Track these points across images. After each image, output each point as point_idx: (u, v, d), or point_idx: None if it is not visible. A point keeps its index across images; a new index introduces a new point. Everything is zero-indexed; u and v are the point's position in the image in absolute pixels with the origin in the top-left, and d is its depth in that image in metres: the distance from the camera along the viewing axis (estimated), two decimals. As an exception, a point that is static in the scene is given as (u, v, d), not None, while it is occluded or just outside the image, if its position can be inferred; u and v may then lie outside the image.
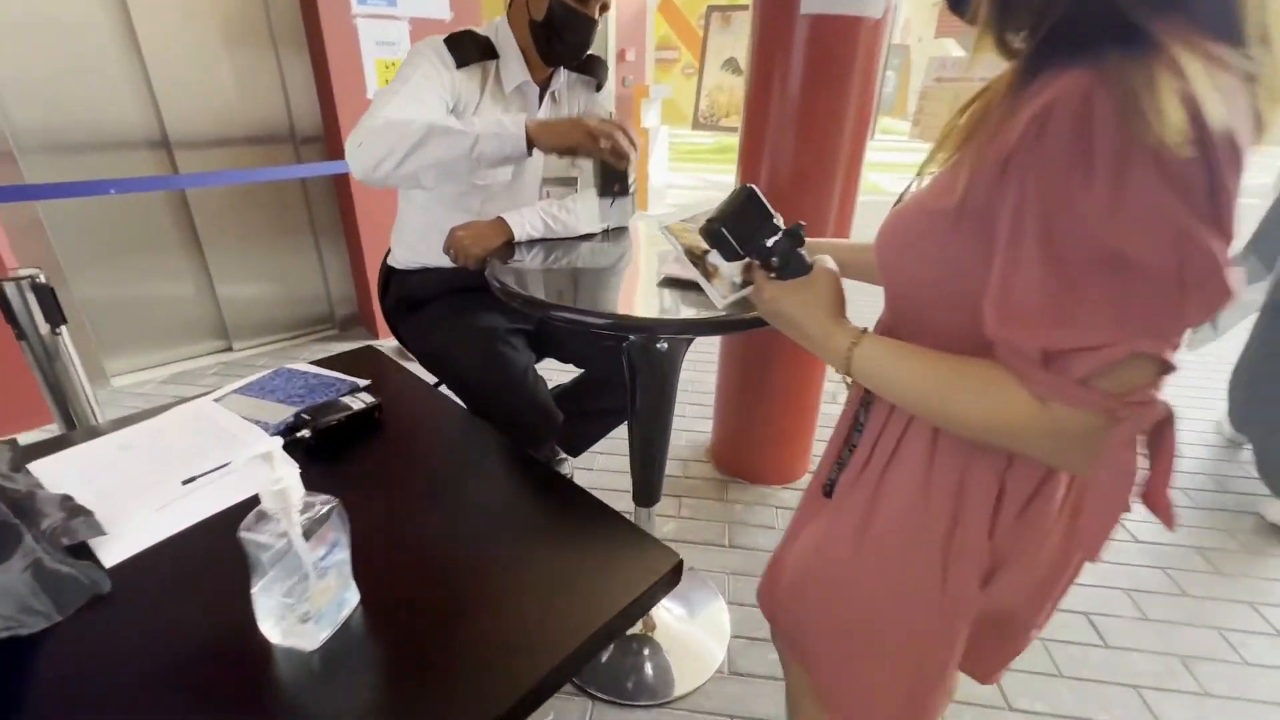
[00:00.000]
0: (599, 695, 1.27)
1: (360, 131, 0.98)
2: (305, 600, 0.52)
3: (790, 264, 0.63)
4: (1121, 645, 1.43)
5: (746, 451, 1.97)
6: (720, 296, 0.67)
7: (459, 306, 1.17)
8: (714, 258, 0.70)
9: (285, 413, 0.85)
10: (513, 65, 1.13)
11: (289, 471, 0.50)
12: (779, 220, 0.65)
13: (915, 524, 0.61)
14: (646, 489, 1.24)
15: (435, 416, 0.92)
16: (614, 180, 1.06)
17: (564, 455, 1.63)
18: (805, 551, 0.73)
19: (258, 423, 0.83)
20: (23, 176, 2.00)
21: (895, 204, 0.70)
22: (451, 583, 0.62)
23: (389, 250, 1.30)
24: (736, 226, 0.63)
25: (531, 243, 1.15)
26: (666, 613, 1.47)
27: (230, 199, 2.49)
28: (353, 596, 0.57)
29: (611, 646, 1.38)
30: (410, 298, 1.23)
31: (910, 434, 0.63)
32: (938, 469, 0.60)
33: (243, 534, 0.50)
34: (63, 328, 1.34)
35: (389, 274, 1.28)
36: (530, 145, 0.98)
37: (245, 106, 2.46)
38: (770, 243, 0.65)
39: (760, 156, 1.72)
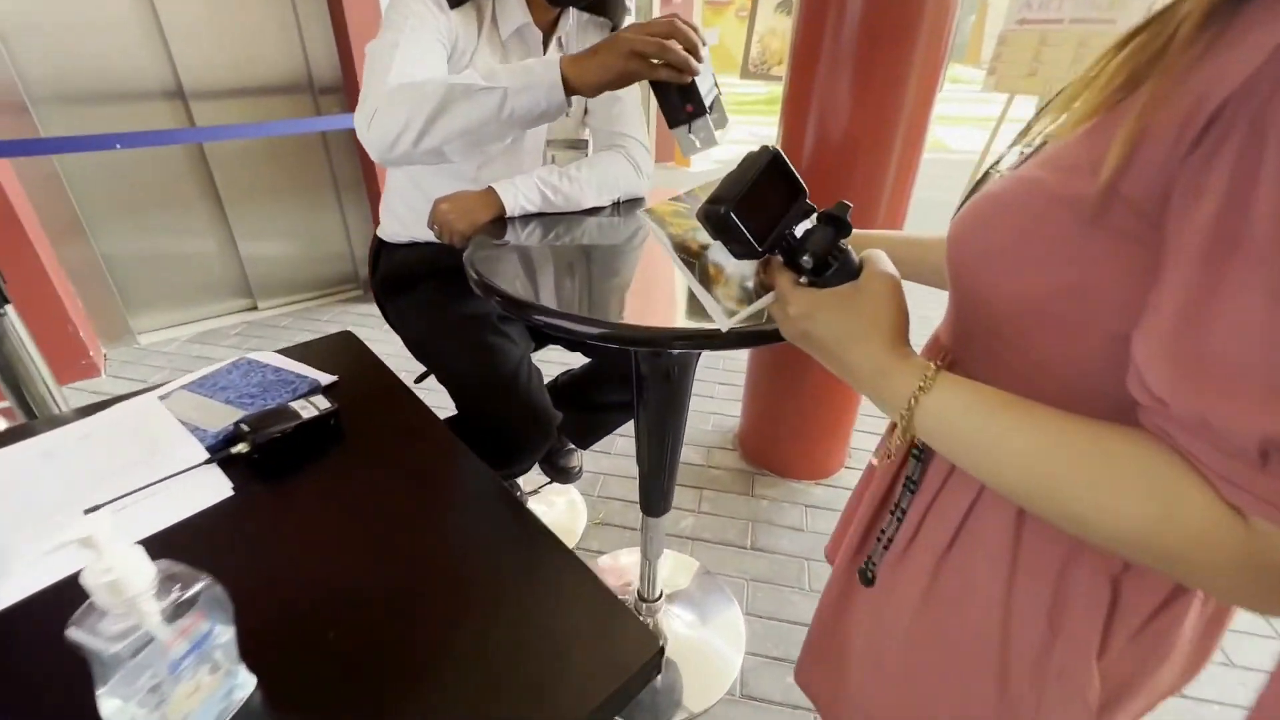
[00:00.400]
0: (597, 712, 1.17)
1: (368, 103, 0.81)
2: (164, 706, 0.41)
3: (830, 263, 0.45)
4: None
5: (777, 442, 1.81)
6: (725, 313, 0.50)
7: (448, 289, 1.04)
8: (717, 253, 0.53)
9: (228, 417, 0.75)
10: (511, 3, 0.96)
11: (124, 556, 0.38)
12: (806, 189, 0.47)
13: (990, 636, 0.46)
14: (654, 499, 1.11)
15: (403, 428, 0.80)
16: (684, 100, 0.76)
17: (572, 446, 1.52)
18: (848, 653, 0.59)
19: (196, 430, 0.73)
20: (36, 128, 1.95)
21: (974, 186, 0.52)
22: (378, 660, 0.51)
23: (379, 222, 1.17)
24: (751, 209, 0.45)
25: (529, 217, 1.00)
26: (677, 619, 1.36)
27: (249, 152, 2.40)
28: (244, 684, 0.46)
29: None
30: (398, 276, 1.10)
31: (984, 506, 0.47)
32: (1025, 563, 0.45)
33: (72, 633, 0.38)
34: (7, 307, 1.25)
35: (379, 248, 1.16)
36: (568, 91, 0.77)
37: (261, 55, 2.34)
38: (800, 231, 0.47)
39: (806, 111, 1.50)
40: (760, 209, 0.46)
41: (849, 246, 0.47)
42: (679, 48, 0.71)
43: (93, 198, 2.17)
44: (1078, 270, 0.37)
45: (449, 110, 0.78)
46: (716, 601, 1.41)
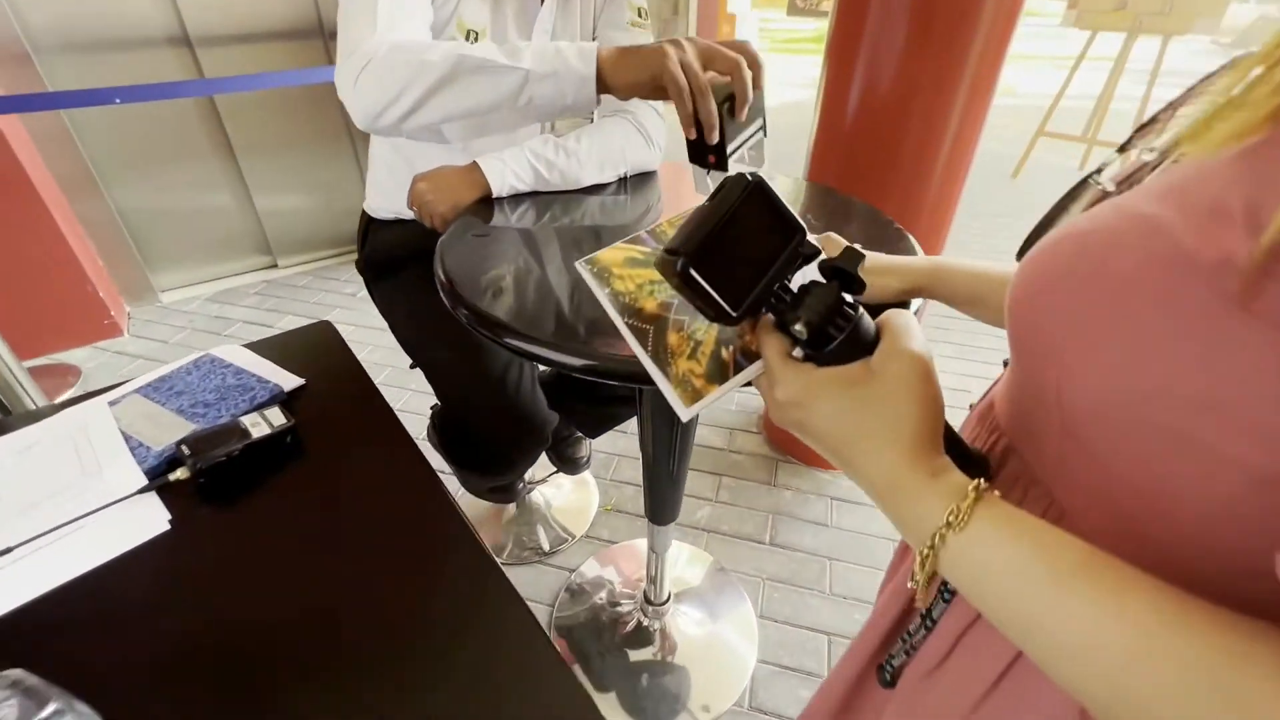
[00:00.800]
0: None
1: (353, 58, 0.67)
2: None
3: (832, 334, 0.33)
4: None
5: (804, 427, 1.69)
6: (682, 400, 0.38)
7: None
8: (685, 310, 0.41)
9: (176, 432, 0.67)
10: None
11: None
12: (808, 238, 0.35)
13: None
14: (659, 507, 1.01)
15: (368, 445, 0.71)
16: (708, 149, 0.64)
17: (580, 435, 1.43)
18: None
19: (139, 448, 0.66)
20: (41, 79, 1.88)
21: (1054, 214, 0.39)
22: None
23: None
24: (722, 258, 0.33)
25: (521, 195, 0.88)
26: (686, 618, 1.29)
27: (260, 102, 2.30)
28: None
29: (621, 653, 1.23)
30: (384, 257, 1.00)
31: None
32: None
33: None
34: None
35: (366, 224, 1.05)
36: (601, 87, 0.65)
37: (269, -2, 2.20)
38: (795, 285, 0.35)
39: (854, 53, 1.31)
40: (736, 258, 0.34)
41: (861, 310, 0.34)
42: (742, 81, 0.60)
43: (104, 151, 2.12)
44: (1209, 371, 0.25)
45: (455, 85, 0.65)
46: (730, 601, 1.34)
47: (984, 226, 3.24)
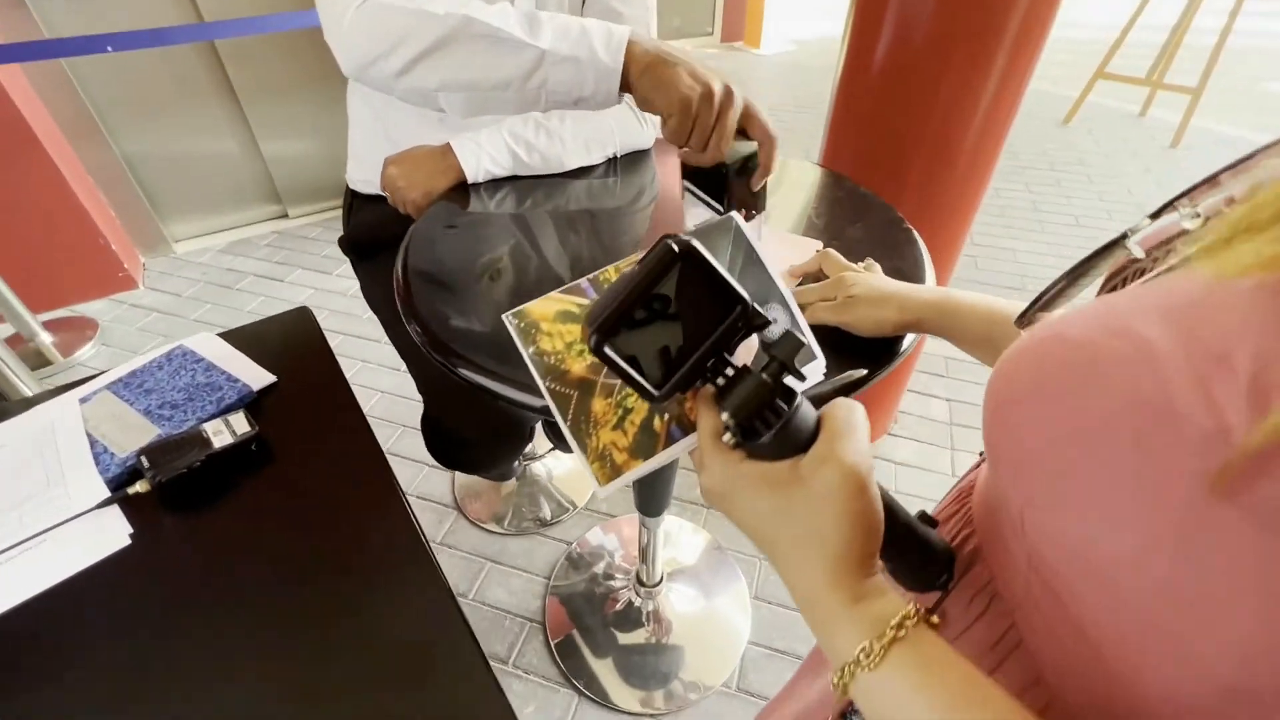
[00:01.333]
0: (585, 691, 1.16)
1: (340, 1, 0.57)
2: None
3: (760, 428, 0.30)
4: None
5: (812, 401, 1.65)
6: (597, 477, 0.35)
7: (415, 259, 0.88)
8: (613, 376, 0.37)
9: (141, 437, 0.66)
10: None
11: None
12: (752, 308, 0.31)
13: None
14: (648, 499, 0.99)
15: (336, 452, 0.69)
16: (711, 187, 0.61)
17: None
18: None
19: (103, 454, 0.65)
20: (36, 23, 1.82)
21: (1076, 275, 0.34)
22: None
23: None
24: (649, 334, 0.30)
25: (501, 179, 0.81)
26: (679, 595, 1.30)
27: (262, 43, 2.21)
28: None
29: (613, 629, 1.25)
30: (366, 237, 0.95)
31: None
32: None
33: None
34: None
35: (350, 198, 1.00)
36: (624, 88, 0.57)
37: (264, -74, 2.07)
38: (728, 368, 0.31)
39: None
40: (664, 331, 0.30)
41: (798, 402, 0.30)
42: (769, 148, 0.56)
43: (106, 96, 2.07)
44: (1183, 559, 0.21)
45: (456, 49, 0.56)
46: (724, 580, 1.34)
47: (1028, 181, 3.02)
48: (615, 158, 0.86)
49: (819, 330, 0.55)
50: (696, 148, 0.56)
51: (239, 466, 0.65)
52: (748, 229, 0.41)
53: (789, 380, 0.30)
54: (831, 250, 0.59)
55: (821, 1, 6.11)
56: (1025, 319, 0.36)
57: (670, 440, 0.35)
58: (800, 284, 0.62)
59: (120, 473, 0.63)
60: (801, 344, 0.29)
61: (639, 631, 1.24)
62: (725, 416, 0.30)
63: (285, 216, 2.60)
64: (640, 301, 0.29)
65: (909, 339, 0.56)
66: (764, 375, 0.29)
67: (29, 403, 0.73)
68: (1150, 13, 3.22)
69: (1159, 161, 3.23)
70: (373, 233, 0.93)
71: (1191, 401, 0.20)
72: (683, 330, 0.30)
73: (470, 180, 0.78)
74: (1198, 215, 0.28)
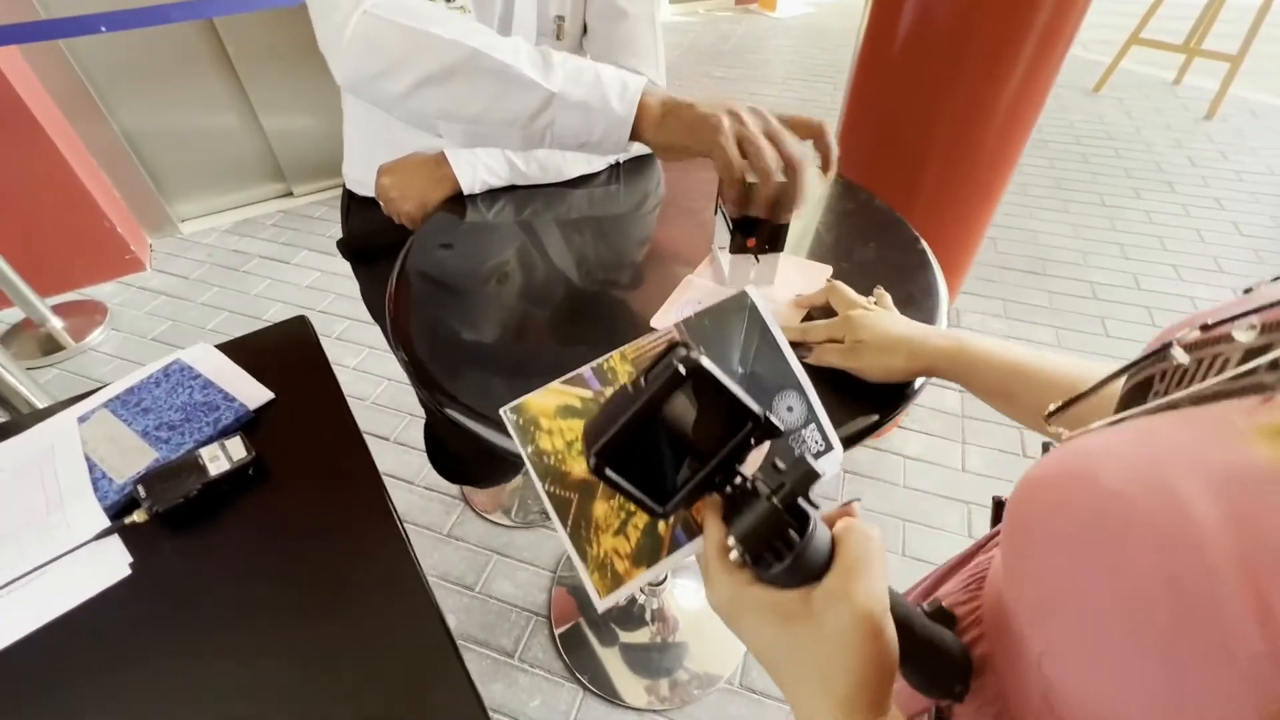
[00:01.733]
0: (590, 686, 1.18)
1: (339, 8, 0.53)
2: None
3: (770, 558, 0.28)
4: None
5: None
6: (597, 590, 0.34)
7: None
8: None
9: (139, 461, 0.66)
10: None
11: None
12: (766, 419, 0.29)
13: None
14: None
15: (334, 473, 0.69)
16: (753, 232, 0.56)
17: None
18: None
19: (101, 479, 0.65)
20: (32, 2, 1.77)
21: (1125, 374, 0.31)
22: None
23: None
24: (652, 451, 0.28)
25: (499, 188, 0.79)
26: (682, 590, 1.31)
27: (259, 15, 2.14)
28: None
29: (619, 623, 1.26)
30: (363, 242, 0.93)
31: None
32: None
33: None
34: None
35: (348, 199, 0.98)
36: (634, 135, 0.55)
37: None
38: (739, 483, 0.30)
39: None
40: (668, 445, 0.29)
41: (812, 528, 0.28)
42: (799, 176, 0.51)
43: (103, 75, 2.03)
44: None
45: (461, 81, 0.53)
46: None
47: (1052, 156, 2.91)
48: (618, 163, 0.83)
49: (825, 372, 0.53)
50: (764, 176, 0.50)
51: (236, 489, 0.65)
52: (762, 305, 0.39)
53: (802, 503, 0.28)
54: (839, 284, 0.57)
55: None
56: (1055, 416, 0.33)
57: (675, 545, 0.34)
58: (807, 317, 0.59)
59: (119, 499, 0.63)
60: (817, 475, 0.27)
61: (644, 629, 1.25)
62: (731, 540, 0.29)
63: (290, 195, 2.57)
64: (643, 422, 0.27)
65: (919, 381, 0.53)
66: (775, 500, 0.27)
67: (36, 417, 0.73)
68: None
69: (1192, 134, 3.09)
70: (370, 237, 0.91)
71: (1243, 611, 0.17)
72: (689, 444, 0.28)
73: (466, 192, 0.75)
74: (1253, 327, 0.24)
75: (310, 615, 0.56)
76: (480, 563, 1.38)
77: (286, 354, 0.84)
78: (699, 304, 0.62)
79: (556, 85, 0.52)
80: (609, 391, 0.37)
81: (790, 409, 0.38)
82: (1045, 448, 0.58)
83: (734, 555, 0.29)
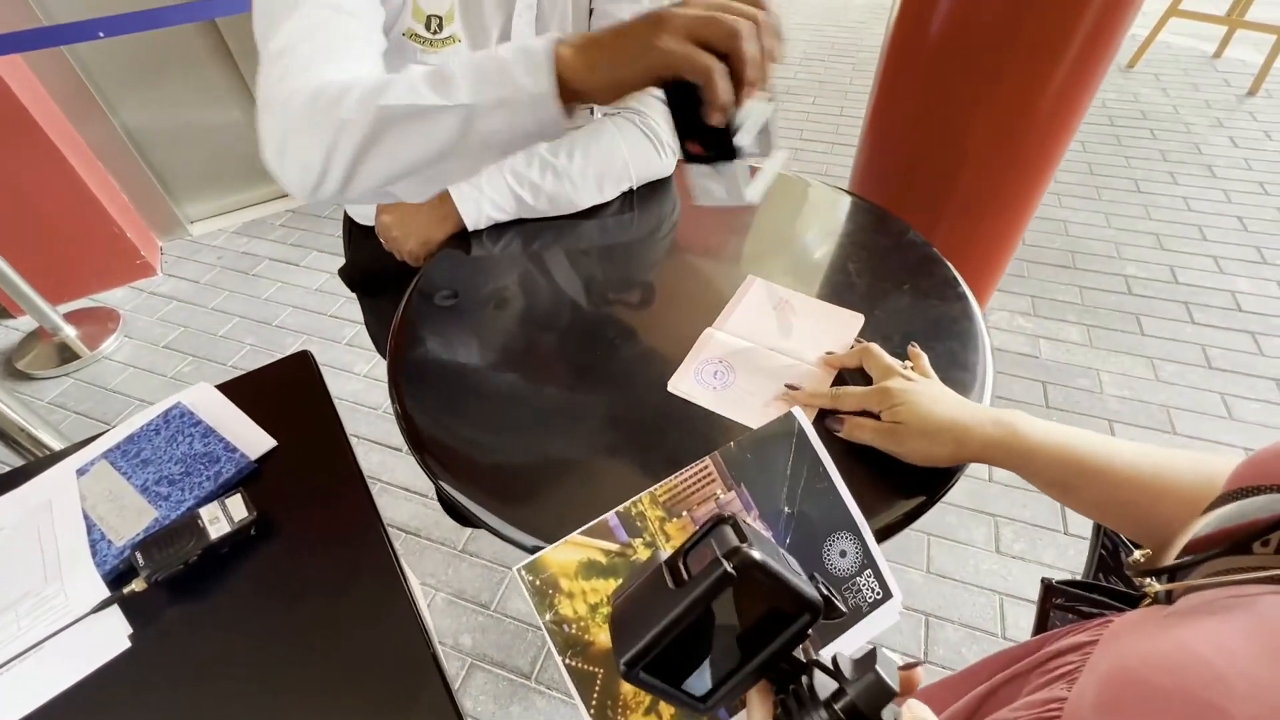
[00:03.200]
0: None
1: (269, 121, 0.54)
2: None
3: None
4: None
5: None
6: None
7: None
8: None
9: (139, 520, 0.64)
10: None
11: None
12: (817, 603, 0.26)
13: None
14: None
15: (338, 535, 0.66)
16: (706, 138, 0.48)
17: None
18: None
19: (99, 540, 0.62)
20: (30, 7, 1.74)
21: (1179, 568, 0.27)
22: None
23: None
24: (693, 647, 0.25)
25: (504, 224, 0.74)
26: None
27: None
28: None
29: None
30: (365, 273, 0.90)
31: None
32: None
33: None
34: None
35: (350, 227, 0.94)
36: (570, 98, 0.48)
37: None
38: (793, 668, 0.26)
39: None
40: (713, 641, 0.25)
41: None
42: (751, 53, 0.44)
43: (103, 70, 1.99)
44: None
45: (384, 143, 0.50)
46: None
47: (1084, 139, 2.78)
48: (631, 191, 0.78)
49: (855, 445, 0.49)
50: (746, 31, 0.44)
51: (238, 550, 0.62)
52: (810, 430, 0.35)
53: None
54: (874, 347, 0.52)
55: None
56: (1138, 569, 0.29)
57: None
58: (838, 379, 0.54)
59: (117, 564, 0.61)
60: (892, 694, 0.23)
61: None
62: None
63: (298, 193, 2.54)
64: (683, 627, 0.24)
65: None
66: (837, 709, 0.24)
67: (39, 465, 0.71)
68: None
69: (1233, 114, 2.94)
70: (373, 269, 0.87)
71: None
72: (735, 636, 0.25)
73: (471, 228, 0.71)
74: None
75: (314, 683, 0.54)
76: (495, 579, 1.37)
77: (289, 393, 0.81)
78: (720, 363, 0.58)
79: (464, 97, 0.48)
80: (638, 545, 0.33)
81: (843, 554, 0.35)
82: (1097, 532, 0.53)
83: None
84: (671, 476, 0.35)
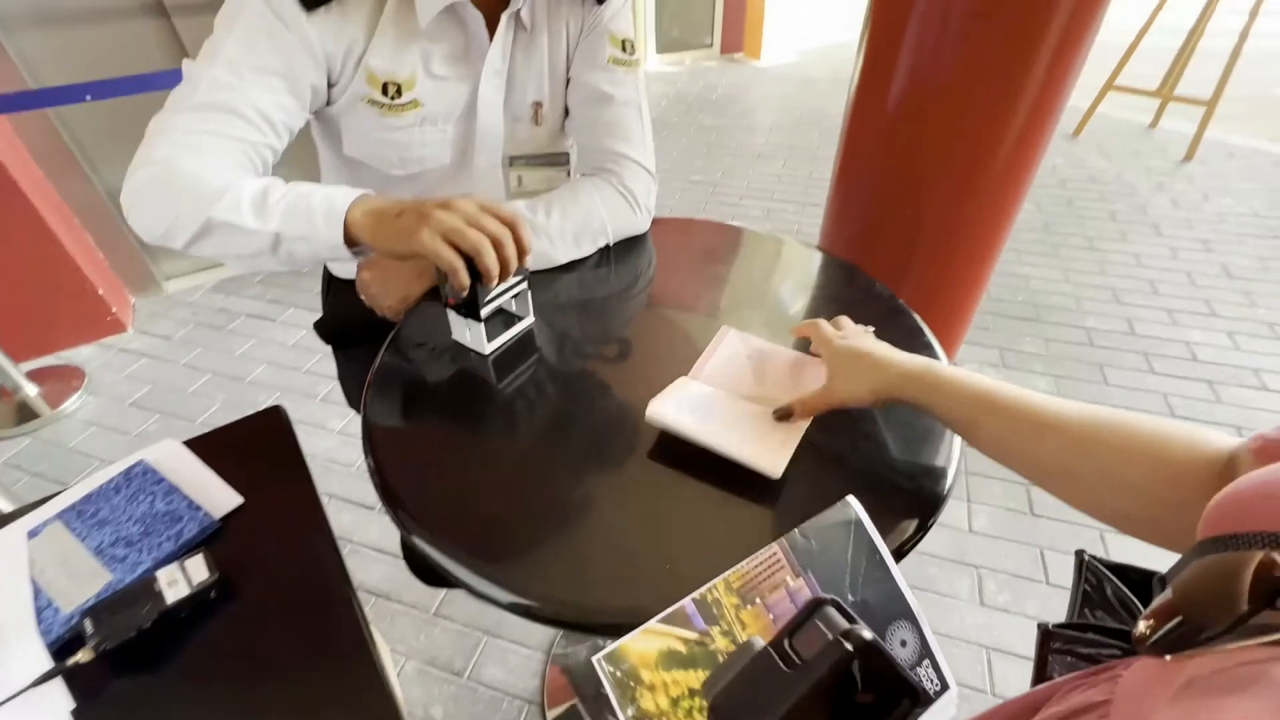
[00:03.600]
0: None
1: (136, 173, 0.64)
2: None
3: None
4: None
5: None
6: None
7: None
8: None
9: (90, 585, 0.60)
10: None
11: None
12: (921, 691, 0.28)
13: None
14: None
15: (303, 602, 0.63)
16: (468, 298, 0.61)
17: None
18: None
19: (46, 608, 0.59)
20: (17, 68, 1.77)
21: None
22: None
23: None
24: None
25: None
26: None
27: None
28: None
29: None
30: (342, 327, 0.90)
31: None
32: None
33: None
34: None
35: (328, 280, 0.94)
36: (353, 243, 0.60)
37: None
38: None
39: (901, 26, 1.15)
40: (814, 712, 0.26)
41: None
42: (489, 256, 0.56)
43: (85, 129, 2.00)
44: None
45: (212, 236, 0.61)
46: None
47: (1040, 200, 2.95)
48: (609, 247, 0.80)
49: (860, 478, 0.50)
50: (484, 248, 0.55)
51: (197, 615, 0.59)
52: (866, 519, 0.37)
53: None
54: (819, 321, 0.61)
55: (827, 8, 6.03)
56: (1144, 645, 0.29)
57: None
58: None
59: (63, 633, 0.57)
60: None
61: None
62: None
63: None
64: (805, 709, 0.25)
65: (949, 478, 0.51)
66: None
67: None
68: (1163, 15, 3.14)
69: (1173, 177, 3.15)
70: (351, 322, 0.87)
71: None
72: (836, 711, 0.26)
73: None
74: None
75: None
76: (469, 645, 1.31)
77: (260, 449, 0.79)
78: (693, 401, 0.58)
79: (275, 225, 0.59)
80: (715, 633, 0.32)
81: (904, 643, 0.35)
82: (1079, 568, 0.54)
83: None
84: (742, 563, 0.36)
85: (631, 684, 0.31)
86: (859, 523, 0.38)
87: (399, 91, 0.68)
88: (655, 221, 0.85)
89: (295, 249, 0.60)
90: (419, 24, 0.66)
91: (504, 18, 0.69)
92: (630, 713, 0.31)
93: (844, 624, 0.27)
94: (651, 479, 0.55)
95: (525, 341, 0.68)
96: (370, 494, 1.55)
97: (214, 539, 0.66)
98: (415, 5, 0.65)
